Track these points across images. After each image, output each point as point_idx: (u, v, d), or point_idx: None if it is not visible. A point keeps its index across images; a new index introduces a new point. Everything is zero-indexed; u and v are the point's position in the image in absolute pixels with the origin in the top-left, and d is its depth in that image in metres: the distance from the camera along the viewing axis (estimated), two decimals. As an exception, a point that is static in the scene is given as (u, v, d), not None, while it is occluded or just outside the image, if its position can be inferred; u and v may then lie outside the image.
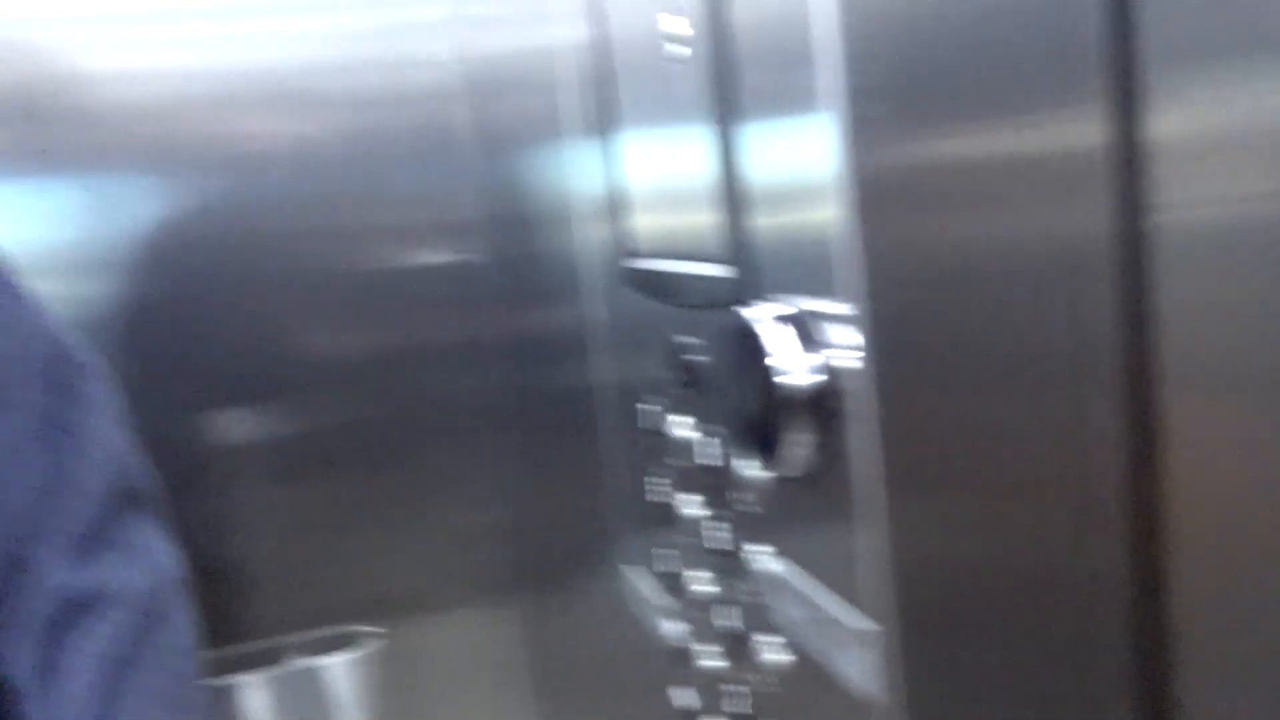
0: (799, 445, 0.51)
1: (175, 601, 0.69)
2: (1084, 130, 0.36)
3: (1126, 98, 0.35)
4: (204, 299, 1.08)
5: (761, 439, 0.53)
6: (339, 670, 1.11)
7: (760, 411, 0.52)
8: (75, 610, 0.66)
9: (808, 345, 0.51)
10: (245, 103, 1.06)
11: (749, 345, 0.52)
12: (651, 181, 0.76)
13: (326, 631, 1.15)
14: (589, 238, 0.95)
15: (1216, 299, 0.32)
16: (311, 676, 1.11)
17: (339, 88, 1.08)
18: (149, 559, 0.69)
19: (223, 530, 1.11)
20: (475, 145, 1.10)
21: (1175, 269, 0.34)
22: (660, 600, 0.90)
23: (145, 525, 0.69)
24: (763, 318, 0.52)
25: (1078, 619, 0.41)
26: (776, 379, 0.50)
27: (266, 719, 1.10)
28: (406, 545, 1.16)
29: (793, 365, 0.50)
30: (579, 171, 0.96)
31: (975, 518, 0.44)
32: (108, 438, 0.69)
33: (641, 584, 0.96)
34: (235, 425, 1.10)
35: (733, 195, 0.59)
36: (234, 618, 1.12)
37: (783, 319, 0.52)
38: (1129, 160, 0.36)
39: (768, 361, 0.51)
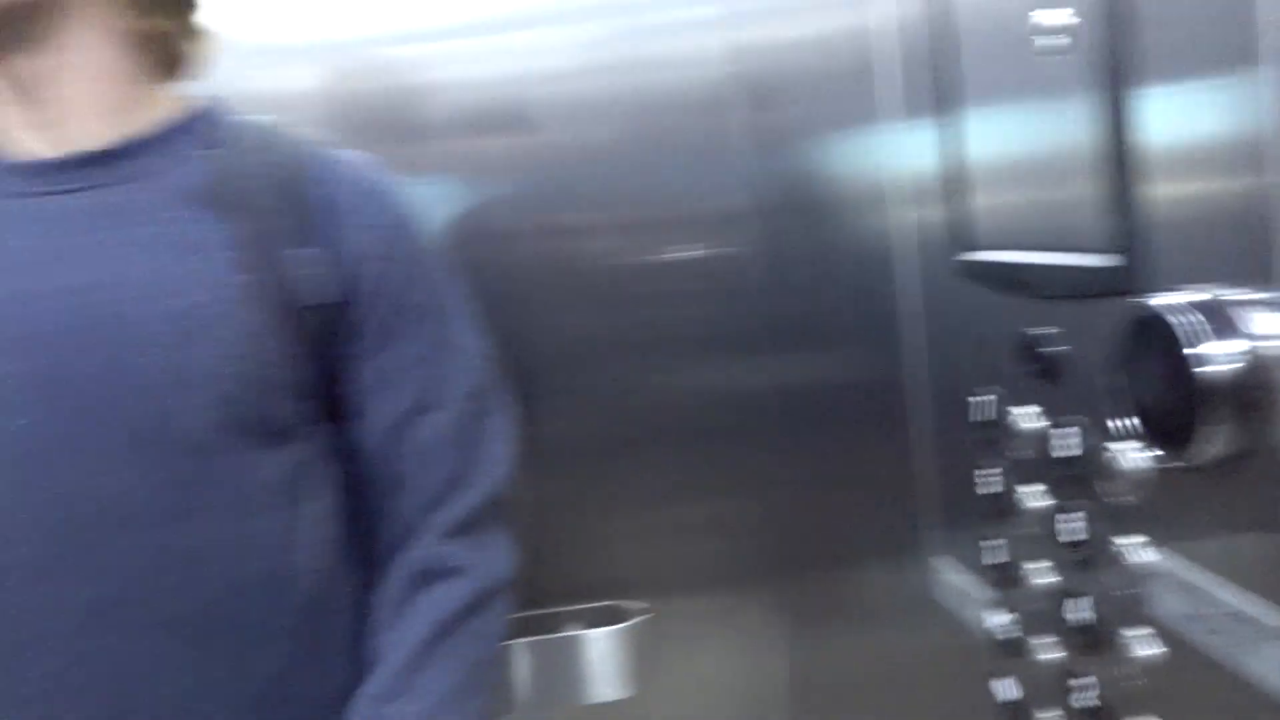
0: (1216, 436, 0.50)
1: (501, 599, 0.80)
2: None
3: None
4: (491, 292, 1.17)
5: (1169, 430, 0.53)
6: (606, 642, 1.17)
7: (1171, 402, 0.52)
8: (433, 576, 0.77)
9: (1224, 333, 0.50)
10: (530, 106, 1.13)
11: (1155, 334, 0.53)
12: (999, 167, 0.77)
13: (596, 605, 1.21)
14: (900, 227, 0.96)
15: None
16: (580, 646, 1.17)
17: (619, 87, 1.14)
18: (497, 558, 0.80)
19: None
20: (750, 139, 1.13)
21: None
22: (981, 593, 0.90)
23: (503, 530, 0.80)
24: (1173, 305, 0.52)
25: None
26: (1193, 368, 0.50)
27: (536, 683, 1.17)
28: (675, 531, 1.21)
29: (1210, 353, 0.50)
30: (879, 160, 0.97)
31: None
32: (502, 447, 0.79)
33: (955, 577, 0.96)
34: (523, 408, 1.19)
35: (1123, 178, 0.59)
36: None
37: (1195, 305, 0.51)
38: None
39: (1184, 351, 0.51)
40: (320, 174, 0.76)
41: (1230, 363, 0.49)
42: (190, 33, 0.79)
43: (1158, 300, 0.53)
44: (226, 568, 0.73)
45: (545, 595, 1.19)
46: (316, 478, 0.78)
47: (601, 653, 1.17)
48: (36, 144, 0.74)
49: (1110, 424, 0.60)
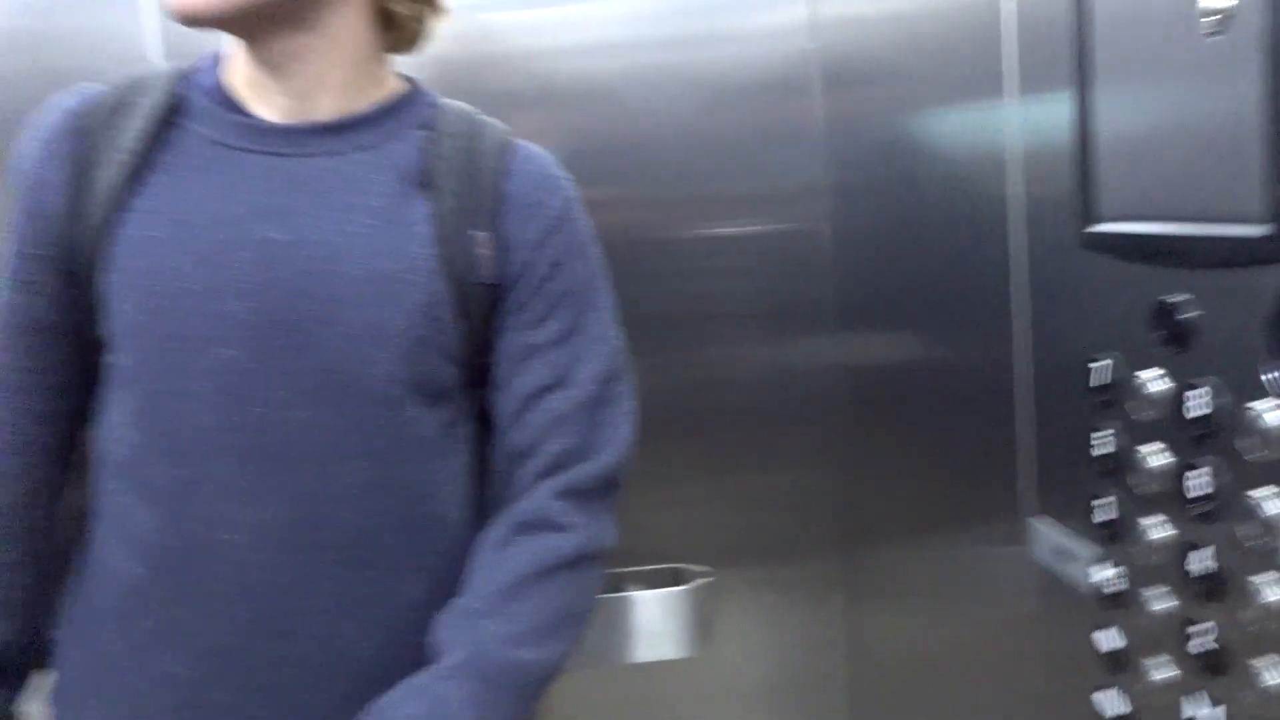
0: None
1: (599, 565, 0.85)
2: None
3: None
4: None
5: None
6: (670, 602, 1.21)
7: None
8: (540, 526, 0.83)
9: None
10: (618, 76, 1.16)
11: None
12: (1135, 141, 0.81)
13: (659, 567, 1.25)
14: (1015, 199, 1.00)
15: None
16: (643, 605, 1.21)
17: (697, 61, 1.17)
18: (604, 526, 0.85)
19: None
20: (828, 117, 1.16)
21: None
22: (1083, 551, 0.94)
23: (611, 505, 0.86)
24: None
25: None
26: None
27: (596, 640, 1.21)
28: (741, 500, 1.25)
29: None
30: (994, 134, 1.01)
31: None
32: (625, 430, 0.85)
33: (1054, 534, 1.01)
34: None
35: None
36: None
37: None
38: None
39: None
40: (507, 164, 0.83)
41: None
42: (434, 10, 0.85)
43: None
44: (383, 506, 0.79)
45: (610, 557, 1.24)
46: (461, 437, 0.85)
47: (665, 611, 1.21)
48: (279, 111, 0.79)
49: (1265, 378, 0.64)
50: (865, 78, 1.19)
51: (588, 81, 1.16)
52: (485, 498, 0.87)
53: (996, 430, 1.06)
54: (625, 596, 1.22)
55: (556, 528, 0.82)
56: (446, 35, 0.87)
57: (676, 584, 1.21)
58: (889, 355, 1.23)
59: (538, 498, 0.83)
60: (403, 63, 0.87)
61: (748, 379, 1.23)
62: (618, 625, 1.22)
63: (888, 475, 1.24)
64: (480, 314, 0.82)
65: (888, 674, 1.29)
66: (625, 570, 1.24)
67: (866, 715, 1.32)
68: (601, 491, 0.85)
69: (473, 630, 0.78)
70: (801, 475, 1.26)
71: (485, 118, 0.86)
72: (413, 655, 0.78)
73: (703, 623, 1.22)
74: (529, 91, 1.15)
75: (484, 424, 0.87)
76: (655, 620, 1.21)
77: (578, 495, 0.83)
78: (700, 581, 1.22)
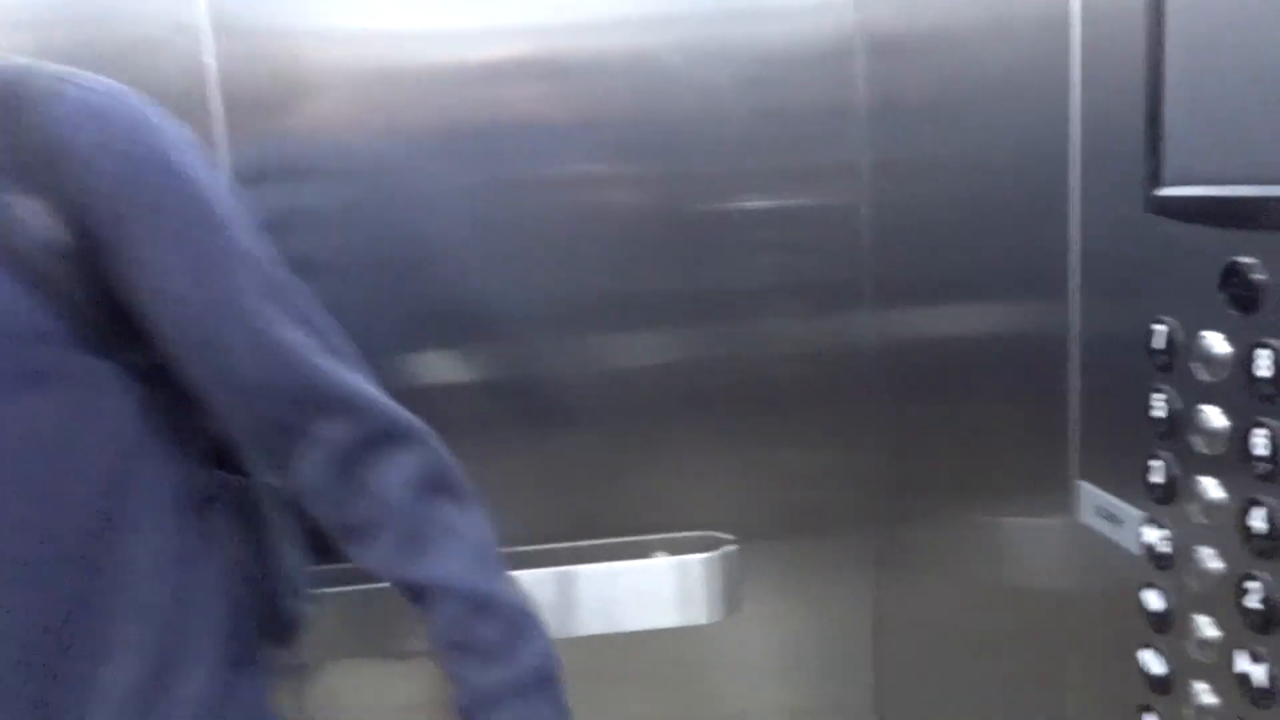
0: None
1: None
2: None
3: None
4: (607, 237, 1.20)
5: None
6: (696, 568, 1.23)
7: None
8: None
9: None
10: (660, 49, 1.16)
11: None
12: (1206, 102, 0.82)
13: (688, 534, 1.27)
14: (1075, 165, 1.01)
15: None
16: (673, 570, 1.23)
17: (740, 34, 1.18)
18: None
19: (603, 445, 1.24)
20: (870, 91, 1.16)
21: None
22: (1134, 512, 0.96)
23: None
24: None
25: None
26: None
27: (623, 604, 1.24)
28: (775, 473, 1.27)
29: None
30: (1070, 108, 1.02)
31: None
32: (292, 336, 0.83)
33: (1102, 497, 1.03)
34: (625, 353, 1.23)
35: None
36: (611, 515, 1.25)
37: None
38: None
39: None
40: (40, 108, 0.72)
41: None
42: None
43: None
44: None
45: (642, 524, 1.26)
46: (95, 417, 0.78)
47: (694, 577, 1.23)
48: None
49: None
50: (910, 50, 1.20)
51: (631, 55, 1.16)
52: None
53: (1044, 399, 1.08)
54: (653, 562, 1.24)
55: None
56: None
57: (706, 551, 1.23)
58: (931, 329, 1.24)
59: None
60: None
61: (785, 354, 1.25)
62: (645, 590, 1.24)
63: (928, 449, 1.26)
64: (69, 282, 0.73)
65: (915, 647, 1.32)
66: (656, 537, 1.27)
67: (892, 688, 1.34)
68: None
69: None
70: (838, 450, 1.28)
71: (31, 63, 0.74)
72: None
73: (730, 591, 1.24)
74: (573, 65, 1.15)
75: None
76: (684, 586, 1.23)
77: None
78: (728, 549, 1.24)
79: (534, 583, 1.03)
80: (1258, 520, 0.78)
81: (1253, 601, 0.79)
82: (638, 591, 1.24)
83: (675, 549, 1.25)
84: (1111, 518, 1.01)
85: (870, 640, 1.32)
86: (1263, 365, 0.76)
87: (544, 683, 0.87)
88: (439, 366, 1.22)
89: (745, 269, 1.22)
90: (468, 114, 1.15)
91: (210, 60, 1.10)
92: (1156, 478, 0.91)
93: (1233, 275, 0.78)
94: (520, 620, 0.87)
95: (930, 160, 1.21)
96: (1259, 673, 0.80)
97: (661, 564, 1.24)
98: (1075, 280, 1.02)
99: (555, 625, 0.93)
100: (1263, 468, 0.77)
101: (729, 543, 1.25)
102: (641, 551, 1.26)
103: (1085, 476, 1.06)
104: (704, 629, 1.23)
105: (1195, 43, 0.82)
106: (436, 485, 0.87)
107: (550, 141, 1.16)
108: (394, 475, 0.85)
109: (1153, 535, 0.92)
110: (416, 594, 0.86)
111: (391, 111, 1.14)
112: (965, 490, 1.26)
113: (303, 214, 1.14)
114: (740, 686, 1.34)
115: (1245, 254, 0.77)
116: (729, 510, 1.26)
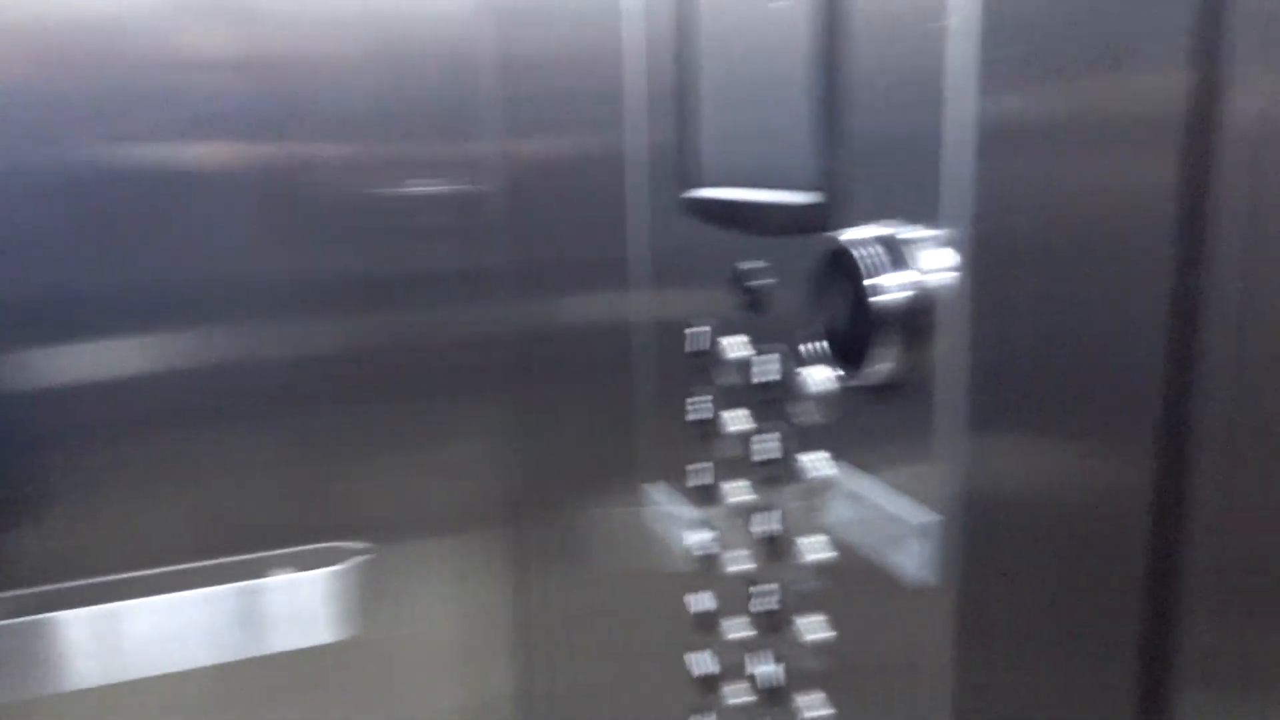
0: (888, 356, 0.57)
1: None
2: (1165, 91, 0.42)
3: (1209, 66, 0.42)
4: (196, 217, 1.10)
5: (850, 352, 0.59)
6: (320, 584, 1.15)
7: (853, 327, 0.58)
8: None
9: (901, 265, 0.57)
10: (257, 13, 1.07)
11: (843, 265, 0.58)
12: (726, 111, 0.81)
13: (312, 547, 1.19)
14: (639, 169, 1.00)
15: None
16: (293, 589, 1.15)
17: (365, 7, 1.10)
18: None
19: (218, 445, 1.13)
20: (497, 74, 1.13)
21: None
22: (686, 514, 0.96)
23: None
24: (859, 239, 0.58)
25: (1108, 540, 0.48)
26: (872, 297, 0.56)
27: (223, 631, 1.14)
28: (403, 472, 1.20)
29: (888, 283, 0.56)
30: (627, 104, 1.00)
31: (1046, 439, 0.50)
32: None
33: (664, 499, 1.02)
34: (237, 346, 1.13)
35: (830, 124, 0.64)
36: (217, 530, 1.15)
37: (879, 240, 0.57)
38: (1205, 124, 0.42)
39: (865, 281, 0.56)
40: None
41: (901, 292, 0.56)
42: None
43: (847, 235, 0.59)
44: None
45: (259, 539, 1.15)
46: None
47: (318, 595, 1.15)
48: None
49: (802, 348, 0.66)
50: (536, 39, 1.15)
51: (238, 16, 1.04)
52: None
53: (620, 399, 1.07)
54: (267, 582, 1.14)
55: None
56: None
57: (332, 564, 1.14)
58: (556, 322, 1.21)
59: None
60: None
61: (415, 345, 1.17)
62: (261, 613, 1.14)
63: (550, 443, 1.23)
64: None
65: (557, 641, 1.29)
66: (278, 553, 1.16)
67: (535, 682, 1.31)
68: None
69: None
70: (469, 444, 1.22)
71: None
72: None
73: (361, 602, 1.16)
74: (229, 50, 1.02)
75: None
76: (305, 604, 1.14)
77: None
78: (356, 560, 1.15)
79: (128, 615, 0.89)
80: (767, 524, 0.78)
81: (759, 606, 0.80)
82: (251, 615, 1.13)
83: (301, 563, 1.15)
84: (670, 519, 1.00)
85: (513, 635, 1.28)
86: (758, 371, 0.76)
87: None
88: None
89: (385, 256, 1.13)
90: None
91: None
92: (698, 481, 0.90)
93: (738, 279, 0.78)
94: None
95: (553, 151, 1.17)
96: (774, 672, 0.80)
97: (279, 582, 1.13)
98: (638, 280, 1.01)
99: (159, 659, 0.80)
100: (770, 471, 0.77)
101: (359, 552, 1.16)
102: (258, 570, 1.14)
103: (650, 478, 1.06)
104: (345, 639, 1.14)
105: (726, 51, 0.81)
106: None
107: (170, 120, 1.02)
108: None
109: (695, 538, 0.92)
110: None
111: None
112: (581, 484, 1.24)
113: None
114: (384, 694, 1.26)
115: (754, 257, 0.77)
116: (368, 511, 1.17)
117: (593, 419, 1.21)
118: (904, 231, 0.57)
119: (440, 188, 1.17)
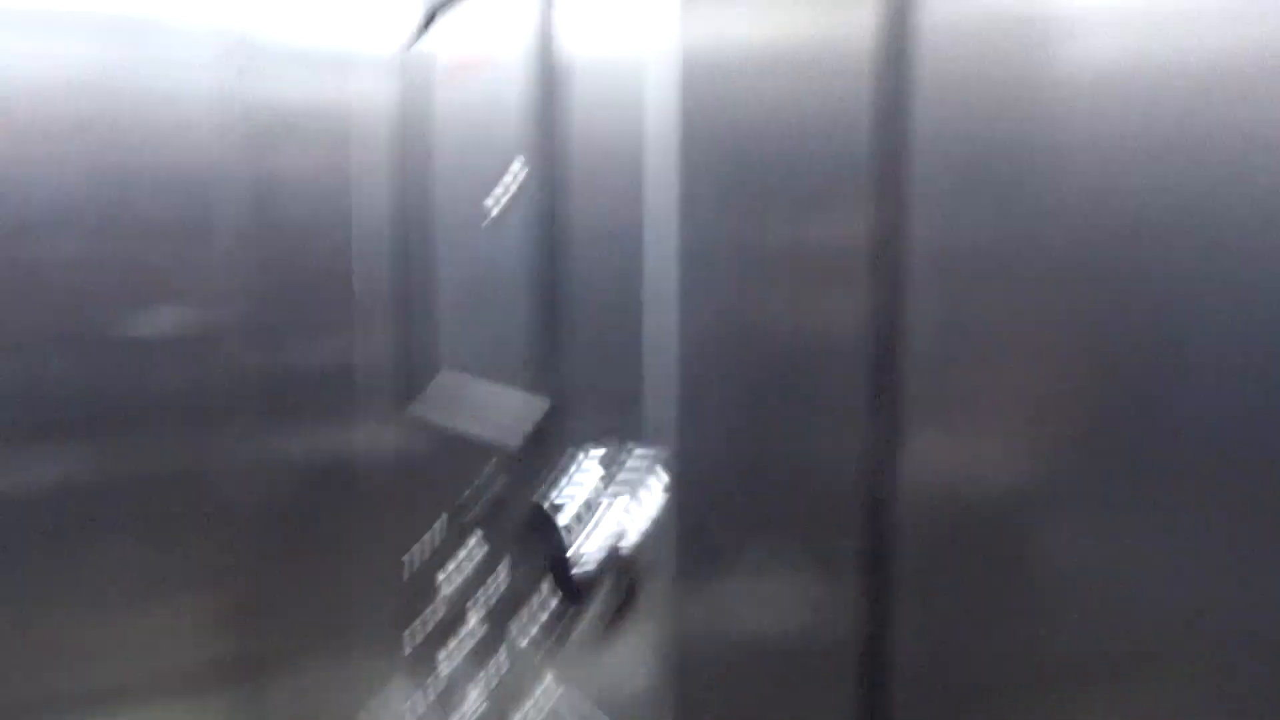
0: (599, 600, 0.54)
1: None
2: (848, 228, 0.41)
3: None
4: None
5: (570, 589, 0.56)
6: None
7: (561, 577, 0.55)
8: None
9: (597, 532, 0.54)
10: None
11: (545, 529, 0.56)
12: (459, 302, 0.79)
13: None
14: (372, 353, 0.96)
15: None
16: None
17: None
18: None
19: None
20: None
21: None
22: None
23: None
24: (559, 506, 0.56)
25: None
26: (571, 568, 0.54)
27: None
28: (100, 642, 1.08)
29: (585, 554, 0.54)
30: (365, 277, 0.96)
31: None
32: None
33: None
34: None
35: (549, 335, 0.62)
36: None
37: (583, 505, 0.55)
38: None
39: (565, 554, 0.54)
40: None
41: (598, 560, 0.54)
42: None
43: (550, 501, 0.56)
44: None
45: None
46: None
47: None
48: None
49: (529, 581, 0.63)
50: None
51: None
52: None
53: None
54: None
55: None
56: None
57: None
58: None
59: None
60: None
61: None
62: None
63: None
64: None
65: None
66: None
67: None
68: None
69: None
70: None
71: None
72: None
73: None
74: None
75: None
76: None
77: None
78: None
79: None
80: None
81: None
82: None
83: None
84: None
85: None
86: (486, 597, 0.72)
87: None
88: None
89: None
90: None
91: None
92: (431, 695, 0.85)
93: (472, 496, 0.74)
94: None
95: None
96: None
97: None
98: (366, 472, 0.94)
99: None
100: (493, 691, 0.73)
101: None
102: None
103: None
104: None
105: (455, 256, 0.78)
106: None
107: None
108: None
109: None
110: None
111: None
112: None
113: None
114: None
115: (486, 462, 0.74)
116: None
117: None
118: (606, 492, 0.55)
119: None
